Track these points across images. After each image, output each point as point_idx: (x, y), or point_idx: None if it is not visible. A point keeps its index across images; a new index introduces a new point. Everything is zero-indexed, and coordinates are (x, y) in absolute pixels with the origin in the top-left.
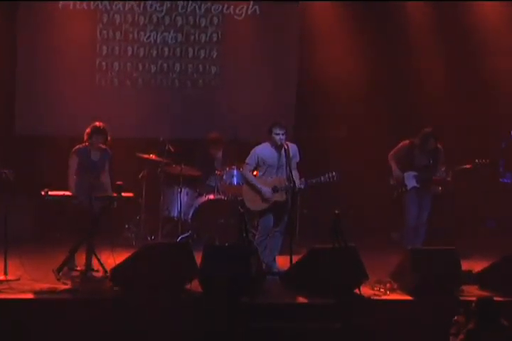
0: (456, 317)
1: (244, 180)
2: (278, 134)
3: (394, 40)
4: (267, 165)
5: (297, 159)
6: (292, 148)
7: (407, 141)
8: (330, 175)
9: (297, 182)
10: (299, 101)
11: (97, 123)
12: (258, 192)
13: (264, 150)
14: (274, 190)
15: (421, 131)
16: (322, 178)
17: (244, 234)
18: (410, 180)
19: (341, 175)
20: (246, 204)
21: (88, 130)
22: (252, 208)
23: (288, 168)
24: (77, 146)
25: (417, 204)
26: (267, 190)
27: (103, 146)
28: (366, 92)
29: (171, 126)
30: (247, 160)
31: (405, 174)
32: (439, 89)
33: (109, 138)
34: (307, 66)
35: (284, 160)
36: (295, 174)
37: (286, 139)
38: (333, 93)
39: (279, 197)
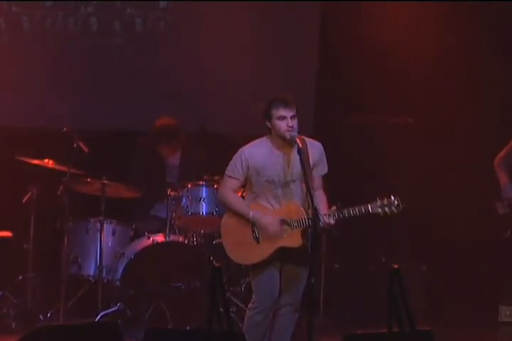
0: None
1: (224, 205)
2: (283, 118)
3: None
4: (264, 180)
5: (324, 170)
6: (314, 147)
7: None
8: (387, 201)
9: (322, 213)
10: (325, 69)
11: None
12: (250, 227)
13: (257, 151)
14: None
15: None
16: (370, 207)
17: (220, 309)
18: None
19: (405, 198)
20: (227, 253)
21: None
22: (238, 260)
23: (307, 186)
24: None
25: None
26: (271, 220)
27: None
28: (447, 62)
29: (84, 106)
30: (227, 171)
31: None
32: None
33: None
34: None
35: (296, 170)
36: (319, 198)
37: (301, 130)
38: (388, 56)
39: (289, 241)
